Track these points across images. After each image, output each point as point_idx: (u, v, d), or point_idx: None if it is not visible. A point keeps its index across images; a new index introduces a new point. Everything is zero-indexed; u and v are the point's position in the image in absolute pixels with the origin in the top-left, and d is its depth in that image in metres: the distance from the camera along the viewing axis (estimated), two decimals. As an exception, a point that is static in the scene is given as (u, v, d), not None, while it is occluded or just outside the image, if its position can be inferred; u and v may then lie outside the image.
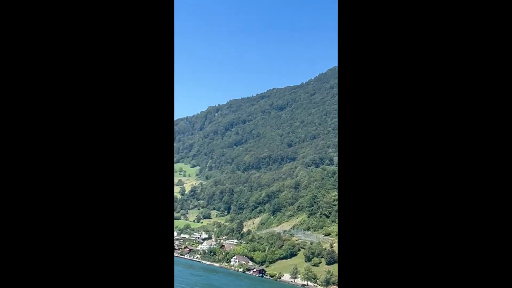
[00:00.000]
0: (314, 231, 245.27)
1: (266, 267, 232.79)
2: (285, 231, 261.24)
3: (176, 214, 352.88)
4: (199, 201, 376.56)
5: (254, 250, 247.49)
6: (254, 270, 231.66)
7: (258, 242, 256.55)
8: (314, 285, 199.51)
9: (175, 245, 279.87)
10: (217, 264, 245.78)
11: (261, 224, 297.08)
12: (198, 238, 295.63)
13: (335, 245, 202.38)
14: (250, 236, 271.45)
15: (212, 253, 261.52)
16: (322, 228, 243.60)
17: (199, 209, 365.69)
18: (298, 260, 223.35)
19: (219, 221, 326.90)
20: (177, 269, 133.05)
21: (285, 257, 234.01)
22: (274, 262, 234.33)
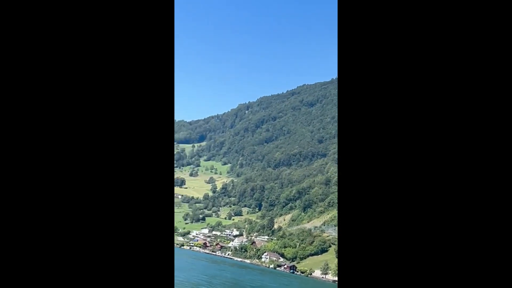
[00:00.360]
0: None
1: (297, 263, 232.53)
2: (316, 227, 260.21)
3: (207, 212, 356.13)
4: (230, 198, 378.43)
5: (285, 247, 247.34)
6: (285, 266, 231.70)
7: (289, 239, 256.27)
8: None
9: (206, 242, 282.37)
10: (248, 261, 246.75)
11: (292, 220, 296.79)
12: (230, 235, 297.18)
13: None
14: (281, 233, 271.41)
15: (243, 250, 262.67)
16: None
17: (230, 206, 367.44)
18: (329, 256, 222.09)
19: (250, 218, 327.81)
20: (202, 264, 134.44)
21: (316, 253, 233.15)
22: (305, 258, 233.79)
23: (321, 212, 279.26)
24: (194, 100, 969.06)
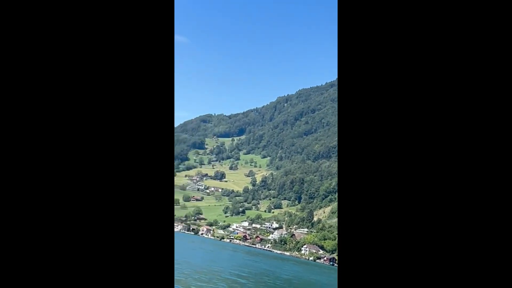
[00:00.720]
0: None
1: (336, 255, 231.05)
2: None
3: (247, 205, 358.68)
4: (270, 191, 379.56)
5: (325, 239, 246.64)
6: (325, 258, 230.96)
7: (328, 231, 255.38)
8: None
9: (246, 235, 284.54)
10: (288, 253, 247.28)
11: (332, 213, 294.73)
12: (269, 227, 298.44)
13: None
14: (320, 225, 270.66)
15: (282, 242, 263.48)
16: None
17: (270, 199, 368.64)
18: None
19: (290, 210, 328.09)
20: (238, 255, 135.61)
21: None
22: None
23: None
24: (233, 94, 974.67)
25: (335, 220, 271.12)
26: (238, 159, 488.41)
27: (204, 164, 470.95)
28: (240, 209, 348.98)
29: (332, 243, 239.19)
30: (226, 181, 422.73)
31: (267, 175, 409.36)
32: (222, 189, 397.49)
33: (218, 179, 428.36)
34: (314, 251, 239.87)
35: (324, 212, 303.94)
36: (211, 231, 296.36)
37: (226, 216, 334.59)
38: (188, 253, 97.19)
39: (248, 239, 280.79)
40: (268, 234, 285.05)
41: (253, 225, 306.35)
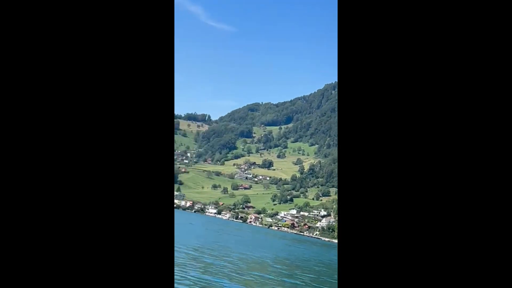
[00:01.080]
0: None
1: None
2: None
3: (295, 193, 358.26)
4: (318, 179, 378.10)
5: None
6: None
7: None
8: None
9: (294, 222, 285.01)
10: (336, 241, 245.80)
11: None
12: (317, 215, 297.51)
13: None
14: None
15: (331, 230, 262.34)
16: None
17: (318, 187, 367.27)
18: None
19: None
20: (282, 242, 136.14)
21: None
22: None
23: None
24: (280, 83, 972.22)
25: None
26: (285, 147, 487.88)
27: (252, 153, 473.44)
28: (288, 197, 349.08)
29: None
30: (274, 170, 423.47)
31: (315, 163, 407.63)
32: (270, 177, 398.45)
33: (266, 168, 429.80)
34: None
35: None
36: (259, 219, 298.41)
37: (274, 204, 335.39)
38: (233, 239, 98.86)
39: (296, 227, 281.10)
40: (316, 221, 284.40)
41: (301, 213, 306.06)
